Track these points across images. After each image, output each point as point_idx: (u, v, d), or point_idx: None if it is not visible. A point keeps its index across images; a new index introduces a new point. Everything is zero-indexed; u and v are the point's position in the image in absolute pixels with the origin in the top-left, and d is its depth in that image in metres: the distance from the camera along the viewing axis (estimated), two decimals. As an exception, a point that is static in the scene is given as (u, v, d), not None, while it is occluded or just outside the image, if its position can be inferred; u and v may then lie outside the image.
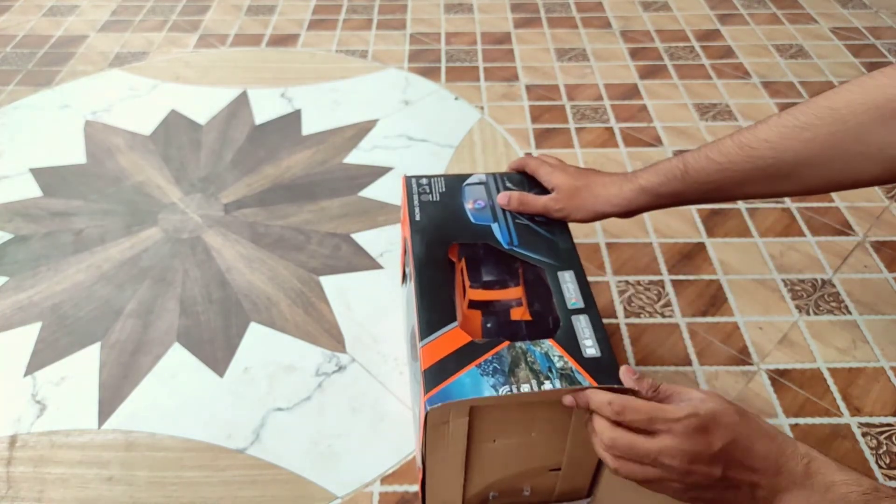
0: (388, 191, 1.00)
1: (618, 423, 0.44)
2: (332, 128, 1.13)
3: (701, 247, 0.91)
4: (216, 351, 0.78)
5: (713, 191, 0.55)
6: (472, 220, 0.62)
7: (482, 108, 1.18)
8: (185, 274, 0.88)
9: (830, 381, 0.74)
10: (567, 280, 0.56)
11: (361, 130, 1.13)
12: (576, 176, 0.62)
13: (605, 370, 0.49)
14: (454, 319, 0.53)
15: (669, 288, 0.85)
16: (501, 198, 0.64)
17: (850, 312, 0.81)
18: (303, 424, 0.71)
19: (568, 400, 0.46)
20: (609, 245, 0.91)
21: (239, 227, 0.95)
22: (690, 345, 0.78)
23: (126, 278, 0.87)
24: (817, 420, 0.70)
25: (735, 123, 1.12)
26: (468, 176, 0.68)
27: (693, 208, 0.96)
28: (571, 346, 0.51)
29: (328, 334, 0.80)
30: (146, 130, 1.14)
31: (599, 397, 0.45)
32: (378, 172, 1.04)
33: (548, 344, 0.51)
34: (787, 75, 1.25)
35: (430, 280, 0.57)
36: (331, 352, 0.78)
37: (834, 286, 0.85)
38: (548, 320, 0.55)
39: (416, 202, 0.64)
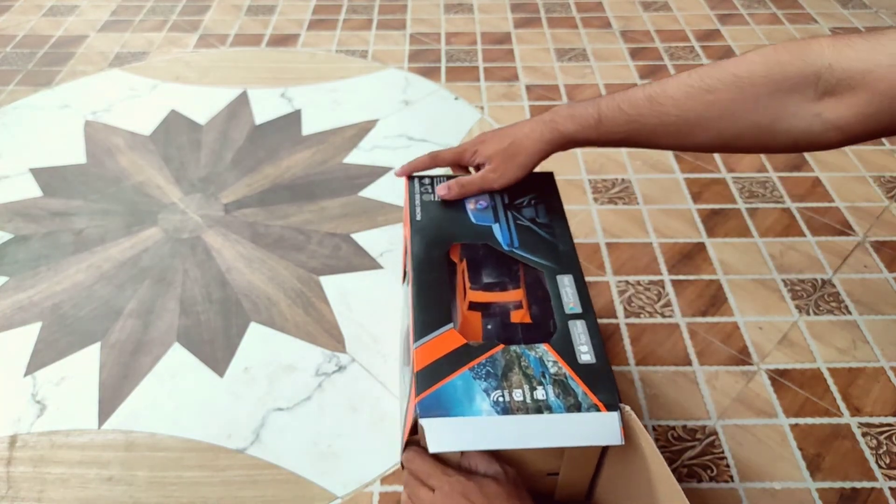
0: (389, 191, 1.00)
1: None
2: (333, 128, 1.13)
3: (701, 247, 0.91)
4: (216, 351, 0.78)
5: (622, 140, 0.58)
6: (473, 220, 0.62)
7: (482, 108, 1.18)
8: (185, 274, 0.88)
9: (830, 381, 0.74)
10: (566, 284, 0.56)
11: (361, 130, 1.13)
12: (500, 139, 0.63)
13: (598, 376, 0.48)
14: (450, 321, 0.53)
15: (669, 288, 0.85)
16: (441, 189, 0.64)
17: (850, 312, 0.81)
18: (303, 424, 0.71)
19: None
20: (609, 245, 0.91)
21: (239, 227, 0.95)
22: (690, 345, 0.78)
23: (126, 278, 0.87)
24: (817, 420, 0.70)
25: (735, 123, 1.12)
26: None
27: (694, 209, 0.96)
28: (566, 351, 0.50)
29: (328, 334, 0.80)
30: (146, 130, 1.14)
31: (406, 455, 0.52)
32: (378, 172, 1.04)
33: (543, 348, 0.50)
34: (787, 75, 1.25)
35: (428, 281, 0.56)
36: (331, 352, 0.78)
37: (834, 286, 0.85)
38: (548, 324, 0.55)
39: (417, 202, 0.64)
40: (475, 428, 0.47)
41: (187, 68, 1.30)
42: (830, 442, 0.69)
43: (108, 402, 0.74)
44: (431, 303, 0.54)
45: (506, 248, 0.59)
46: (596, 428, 0.47)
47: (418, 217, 0.63)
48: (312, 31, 1.42)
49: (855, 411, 0.71)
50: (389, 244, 0.91)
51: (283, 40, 1.39)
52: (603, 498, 0.56)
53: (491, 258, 0.61)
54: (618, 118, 0.57)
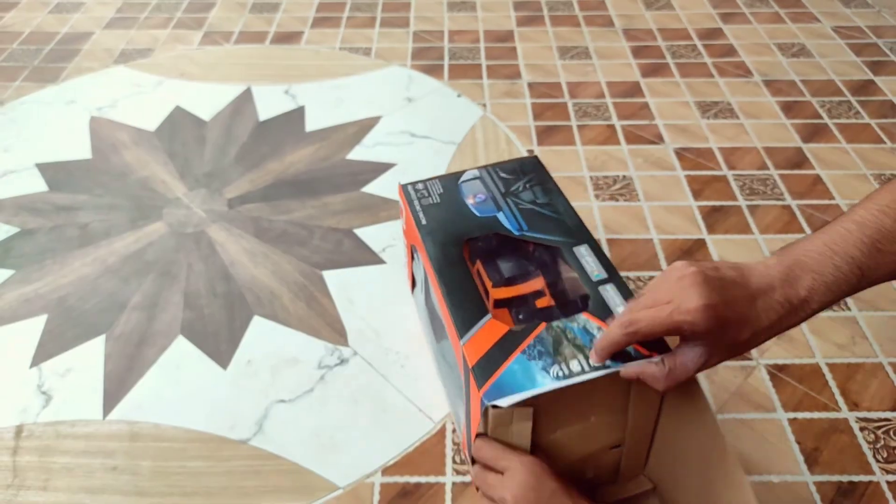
0: (391, 187, 1.01)
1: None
2: (336, 124, 1.14)
3: (701, 243, 0.91)
4: (220, 343, 0.79)
5: (883, 280, 0.48)
6: (477, 213, 0.63)
7: (484, 105, 1.18)
8: (190, 268, 0.89)
9: (829, 377, 0.74)
10: (584, 254, 0.57)
11: (364, 127, 1.13)
12: (720, 318, 0.44)
13: None
14: (487, 312, 0.53)
15: (670, 284, 0.85)
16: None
17: (849, 309, 0.82)
18: (305, 416, 0.72)
19: (629, 373, 0.48)
20: (610, 241, 0.91)
21: (243, 221, 0.96)
22: (690, 340, 0.79)
23: (131, 272, 0.88)
24: (815, 414, 0.71)
25: (737, 121, 1.13)
26: (461, 173, 0.68)
27: (694, 206, 0.97)
28: (606, 315, 0.51)
29: (330, 328, 0.81)
30: (151, 126, 1.15)
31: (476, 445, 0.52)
32: (380, 169, 1.04)
33: (583, 318, 0.51)
34: (789, 74, 1.25)
35: (453, 279, 0.57)
36: (333, 345, 0.79)
37: (833, 283, 0.85)
38: (576, 293, 0.55)
39: (417, 207, 0.65)
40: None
41: (192, 65, 1.31)
42: (828, 436, 0.69)
43: (113, 393, 0.74)
44: (464, 298, 0.55)
45: (516, 233, 0.60)
46: None
47: (424, 221, 0.63)
48: (316, 29, 1.43)
49: (853, 406, 0.72)
50: (391, 239, 0.92)
51: (288, 38, 1.40)
52: (658, 462, 0.57)
53: (504, 247, 0.61)
54: (883, 263, 0.46)
